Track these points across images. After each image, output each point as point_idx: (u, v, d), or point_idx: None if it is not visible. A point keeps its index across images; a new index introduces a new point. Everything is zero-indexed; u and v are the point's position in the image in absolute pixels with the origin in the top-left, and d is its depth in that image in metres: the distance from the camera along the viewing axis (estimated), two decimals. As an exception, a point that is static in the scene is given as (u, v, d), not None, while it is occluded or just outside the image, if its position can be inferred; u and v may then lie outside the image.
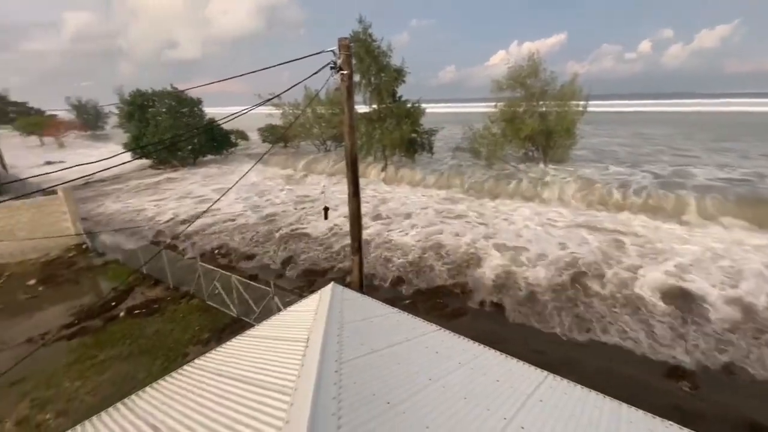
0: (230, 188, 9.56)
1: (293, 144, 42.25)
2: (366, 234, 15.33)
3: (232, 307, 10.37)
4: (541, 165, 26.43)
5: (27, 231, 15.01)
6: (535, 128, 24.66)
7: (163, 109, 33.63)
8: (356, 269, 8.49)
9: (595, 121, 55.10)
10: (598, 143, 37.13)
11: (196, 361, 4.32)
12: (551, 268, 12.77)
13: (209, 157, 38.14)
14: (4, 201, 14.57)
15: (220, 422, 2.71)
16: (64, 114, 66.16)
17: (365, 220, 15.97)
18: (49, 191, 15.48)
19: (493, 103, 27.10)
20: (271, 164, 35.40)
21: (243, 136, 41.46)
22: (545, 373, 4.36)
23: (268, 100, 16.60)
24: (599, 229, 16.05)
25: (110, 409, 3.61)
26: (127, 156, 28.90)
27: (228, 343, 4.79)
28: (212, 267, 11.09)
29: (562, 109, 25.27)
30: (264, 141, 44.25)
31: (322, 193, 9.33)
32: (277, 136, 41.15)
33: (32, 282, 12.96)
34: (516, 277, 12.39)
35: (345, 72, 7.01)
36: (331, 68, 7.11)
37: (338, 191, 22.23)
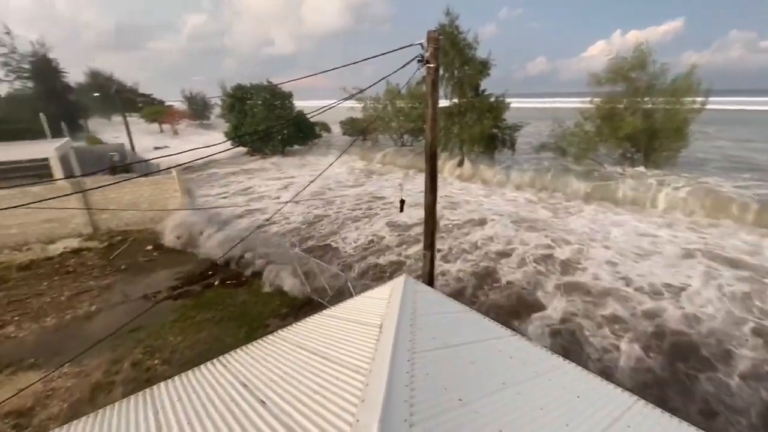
0: (321, 173, 10.20)
1: (371, 137, 43.36)
2: (412, 251, 14.48)
3: (308, 287, 11.06)
4: (642, 168, 23.58)
5: (147, 203, 17.64)
6: (637, 127, 22.01)
7: (259, 102, 36.79)
8: (427, 264, 8.48)
9: (717, 120, 47.44)
10: (723, 147, 32.06)
11: (278, 332, 4.70)
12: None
13: (295, 147, 40.86)
14: (133, 178, 17.22)
15: (300, 390, 2.92)
16: (179, 105, 75.77)
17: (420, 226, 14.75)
18: (165, 171, 17.98)
19: (588, 99, 24.79)
20: (351, 155, 36.70)
21: (326, 128, 43.66)
22: (635, 397, 3.94)
23: (355, 95, 17.25)
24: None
25: (208, 364, 4.11)
26: (228, 144, 32.31)
27: (305, 319, 5.14)
28: (298, 249, 11.91)
29: (672, 106, 22.16)
30: (344, 133, 46.12)
31: (400, 185, 9.45)
32: (357, 129, 42.56)
33: (149, 248, 15.22)
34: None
35: (432, 65, 6.97)
36: (418, 61, 7.12)
37: (411, 188, 22.31)
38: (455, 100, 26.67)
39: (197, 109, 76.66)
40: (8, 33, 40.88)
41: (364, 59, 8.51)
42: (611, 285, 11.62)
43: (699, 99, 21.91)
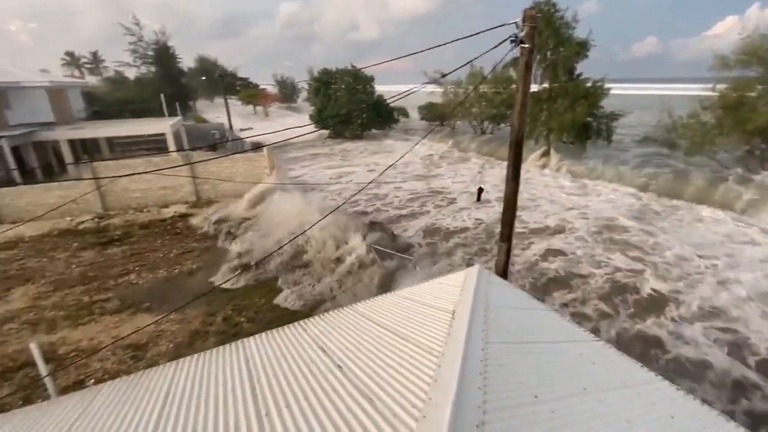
0: (402, 156, 10.35)
1: (449, 123, 42.31)
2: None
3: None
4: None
5: (242, 177, 19.53)
6: (774, 119, 18.33)
7: (342, 86, 38.02)
8: (502, 256, 8.16)
9: None
10: None
11: (353, 305, 4.94)
12: None
13: (372, 131, 41.66)
14: (231, 154, 19.13)
15: (374, 361, 3.05)
16: (270, 88, 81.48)
17: (486, 228, 12.75)
18: (257, 149, 19.67)
19: (709, 85, 21.20)
20: (428, 141, 36.36)
21: (404, 113, 43.69)
22: (742, 429, 3.42)
23: (437, 79, 16.85)
24: None
25: (289, 326, 4.48)
26: (312, 126, 34.13)
27: (378, 297, 5.31)
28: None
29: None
30: (422, 119, 45.70)
31: (479, 173, 9.16)
32: (435, 115, 41.87)
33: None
34: None
35: (526, 46, 6.53)
36: (512, 42, 6.70)
37: (487, 179, 21.44)
38: (545, 85, 24.76)
39: (286, 93, 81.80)
40: (137, 24, 47.33)
41: (452, 41, 8.22)
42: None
43: None
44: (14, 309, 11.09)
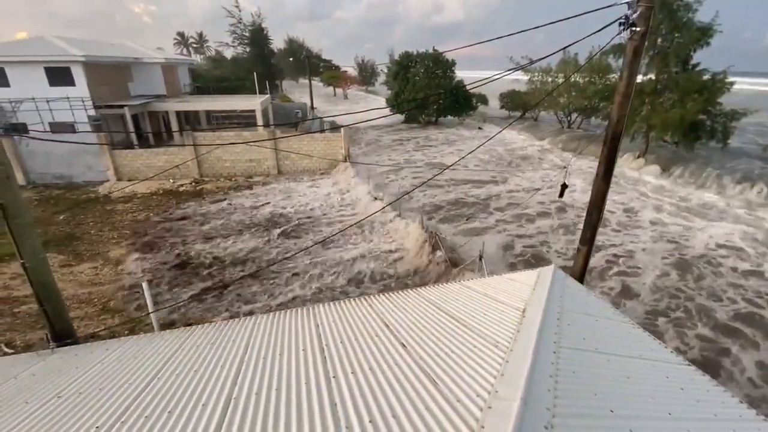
0: (491, 138, 10.04)
1: (533, 114, 39.65)
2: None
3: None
4: None
5: (319, 153, 20.54)
6: None
7: (421, 70, 37.45)
8: (581, 260, 7.59)
9: None
10: None
11: (417, 288, 4.98)
12: None
13: (448, 117, 40.61)
14: (311, 133, 20.10)
15: (438, 345, 3.06)
16: (351, 71, 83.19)
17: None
18: (335, 129, 20.41)
19: None
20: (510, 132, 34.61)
21: (484, 100, 41.81)
22: None
23: (526, 65, 15.80)
24: None
25: (356, 299, 4.67)
26: (387, 110, 34.33)
27: (443, 284, 5.28)
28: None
29: None
30: (502, 107, 43.45)
31: (565, 168, 8.50)
32: (517, 104, 39.55)
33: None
34: None
35: (638, 29, 5.81)
36: (620, 24, 6.01)
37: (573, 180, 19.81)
38: (650, 76, 21.92)
39: (366, 76, 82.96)
40: (237, 6, 51.10)
41: (552, 22, 7.58)
42: None
43: None
44: (127, 252, 13.07)
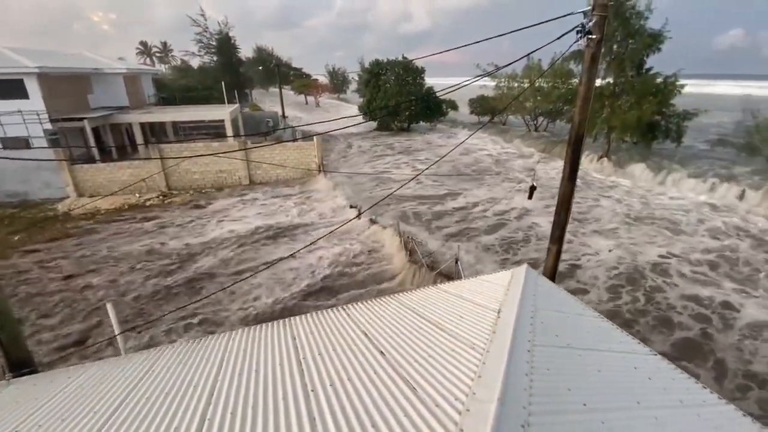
0: (456, 147, 10.24)
1: (501, 118, 40.88)
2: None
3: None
4: None
5: (292, 163, 20.30)
6: None
7: (392, 77, 37.89)
8: (552, 259, 7.82)
9: None
10: None
11: (394, 295, 4.98)
12: None
13: (420, 123, 41.19)
14: (283, 142, 19.86)
15: (416, 350, 3.07)
16: (322, 78, 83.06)
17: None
18: (307, 138, 20.26)
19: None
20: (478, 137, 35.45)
21: (453, 106, 42.72)
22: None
23: (491, 72, 16.30)
24: None
25: (333, 309, 4.62)
26: (359, 117, 34.46)
27: (420, 289, 5.31)
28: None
29: None
30: (472, 113, 44.51)
31: (532, 170, 8.81)
32: (486, 109, 40.62)
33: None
34: None
35: (594, 36, 6.12)
36: (578, 32, 6.32)
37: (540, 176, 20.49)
38: (609, 80, 23.10)
39: (337, 84, 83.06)
40: (203, 15, 50.12)
41: (510, 32, 7.89)
42: None
43: None
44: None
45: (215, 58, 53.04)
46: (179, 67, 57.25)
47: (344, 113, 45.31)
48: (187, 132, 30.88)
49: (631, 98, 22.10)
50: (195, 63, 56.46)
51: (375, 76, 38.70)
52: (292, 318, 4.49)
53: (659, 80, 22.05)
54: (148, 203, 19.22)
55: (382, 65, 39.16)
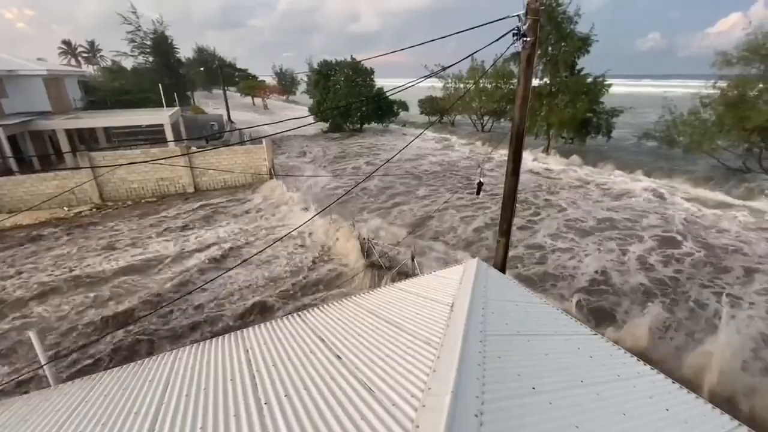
0: (411, 141, 10.33)
1: (450, 118, 42.17)
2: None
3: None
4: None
5: (240, 168, 19.48)
6: (775, 117, 18.31)
7: (342, 78, 37.72)
8: (501, 251, 8.19)
9: None
10: None
11: (351, 297, 4.95)
12: None
13: (372, 124, 41.37)
14: (230, 145, 19.03)
15: (373, 352, 3.06)
16: (269, 80, 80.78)
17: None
18: (256, 141, 19.59)
19: (710, 82, 21.18)
20: (429, 137, 36.23)
21: (404, 106, 43.41)
22: (736, 422, 3.47)
23: (437, 72, 16.76)
24: None
25: (288, 317, 4.49)
26: (310, 119, 33.92)
27: (377, 289, 5.32)
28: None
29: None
30: (422, 113, 45.48)
31: (479, 167, 9.14)
32: (435, 109, 41.67)
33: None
34: None
35: (529, 39, 6.48)
36: (514, 35, 6.65)
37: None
38: (546, 80, 24.66)
39: (285, 85, 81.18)
40: (134, 12, 46.71)
41: (451, 34, 8.16)
42: None
43: None
44: (10, 299, 11.09)
45: (151, 59, 49.64)
46: (110, 68, 52.83)
47: (294, 115, 44.40)
48: (121, 138, 28.62)
49: (566, 97, 23.74)
50: (128, 64, 52.54)
51: (324, 77, 38.32)
52: (245, 329, 4.31)
53: (590, 80, 23.92)
54: (80, 216, 17.57)
55: (331, 66, 38.88)
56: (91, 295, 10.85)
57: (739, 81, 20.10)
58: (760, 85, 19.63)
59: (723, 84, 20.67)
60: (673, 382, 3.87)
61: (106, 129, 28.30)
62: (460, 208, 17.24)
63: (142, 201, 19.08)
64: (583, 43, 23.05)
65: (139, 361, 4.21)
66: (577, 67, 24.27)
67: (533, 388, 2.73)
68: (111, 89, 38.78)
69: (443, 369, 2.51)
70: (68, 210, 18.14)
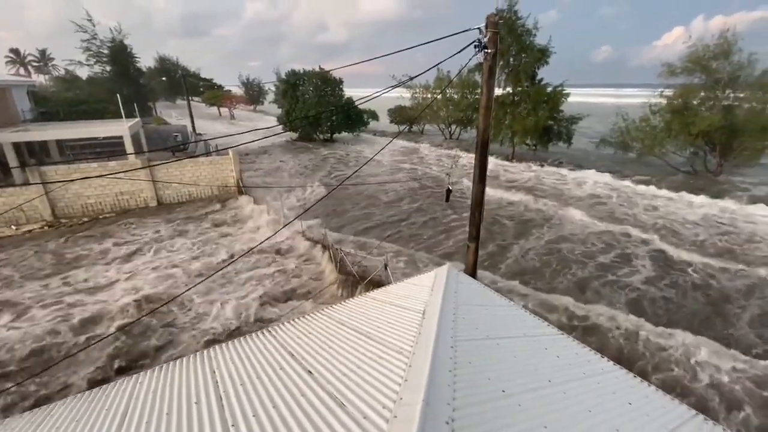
0: (380, 150, 10.35)
1: (419, 127, 42.88)
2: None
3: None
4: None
5: (206, 180, 18.87)
6: (714, 123, 19.87)
7: (310, 88, 37.55)
8: (471, 256, 8.34)
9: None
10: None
11: (323, 309, 4.88)
12: None
13: (343, 134, 41.29)
14: (195, 157, 18.42)
15: (345, 365, 3.02)
16: (236, 90, 79.18)
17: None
18: (221, 152, 19.09)
19: (658, 91, 22.77)
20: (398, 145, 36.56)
21: (374, 116, 43.71)
22: (693, 411, 3.67)
23: (404, 82, 17.07)
24: None
25: (258, 333, 4.36)
26: (279, 128, 33.49)
27: (349, 300, 5.28)
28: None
29: (761, 100, 19.71)
30: (392, 122, 45.97)
31: (447, 175, 9.31)
32: (405, 118, 42.24)
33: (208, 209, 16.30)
34: None
35: (489, 51, 6.72)
36: (475, 47, 6.88)
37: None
38: (509, 90, 25.62)
39: (253, 95, 79.85)
40: (90, 20, 44.69)
41: (417, 45, 8.38)
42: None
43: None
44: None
45: (108, 68, 47.55)
46: (64, 77, 50.09)
47: (261, 125, 43.65)
48: (76, 151, 27.05)
49: (528, 106, 24.75)
50: (83, 73, 50.08)
51: (292, 86, 37.98)
52: (212, 348, 4.14)
53: (550, 89, 25.07)
54: (27, 235, 16.37)
55: (300, 76, 38.64)
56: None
57: (684, 90, 21.74)
58: (702, 94, 21.30)
59: (669, 93, 22.28)
60: (635, 377, 4.05)
61: (59, 142, 26.66)
62: (431, 213, 17.45)
63: (100, 217, 18.06)
64: (542, 55, 24.19)
65: (95, 389, 3.95)
66: (538, 77, 25.40)
67: (503, 391, 2.78)
68: (64, 100, 36.73)
69: (414, 377, 2.51)
70: (16, 228, 16.89)
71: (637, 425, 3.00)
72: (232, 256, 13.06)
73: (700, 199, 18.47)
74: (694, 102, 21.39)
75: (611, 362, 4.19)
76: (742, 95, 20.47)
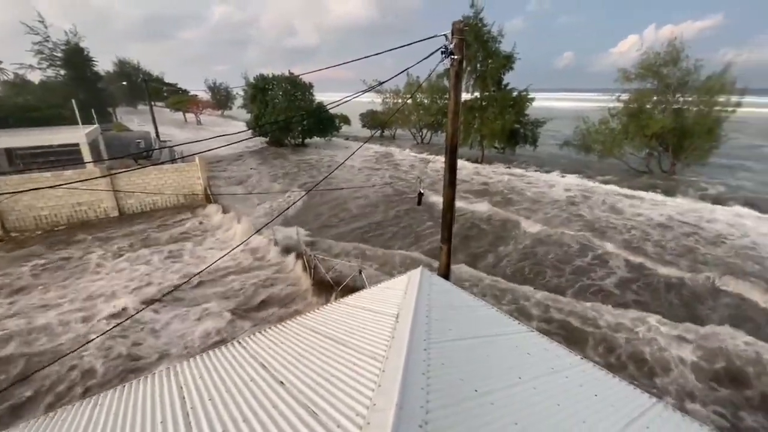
0: (351, 154, 10.28)
1: (390, 131, 43.18)
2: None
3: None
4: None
5: (171, 188, 18.16)
6: (666, 125, 21.19)
7: (280, 93, 37.04)
8: (444, 258, 8.44)
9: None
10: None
11: (296, 317, 4.79)
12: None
13: (315, 139, 40.94)
14: (158, 164, 17.71)
15: (318, 373, 2.97)
16: (203, 94, 77.02)
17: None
18: (188, 159, 18.46)
19: (615, 95, 24.02)
20: (371, 150, 36.58)
21: (346, 120, 43.64)
22: (654, 399, 3.86)
23: (374, 87, 17.14)
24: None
25: (228, 345, 4.22)
26: (248, 133, 32.76)
27: (323, 307, 5.21)
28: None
29: (706, 103, 21.21)
30: (363, 126, 46.07)
31: (419, 178, 9.41)
32: (376, 123, 42.43)
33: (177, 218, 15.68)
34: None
35: (456, 57, 6.87)
36: (442, 53, 7.01)
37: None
38: (476, 94, 26.29)
39: (220, 100, 77.91)
40: (42, 21, 42.31)
41: (387, 50, 8.43)
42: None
43: (734, 98, 20.91)
44: None
45: (63, 72, 45.10)
46: (13, 82, 47.07)
47: (230, 130, 42.54)
48: (27, 160, 25.40)
49: (495, 110, 25.48)
50: (36, 77, 47.25)
51: (261, 91, 37.29)
52: (178, 363, 3.97)
53: (515, 94, 25.93)
54: (-26, 252, 15.12)
55: (269, 80, 38.02)
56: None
57: (638, 94, 23.05)
58: (655, 98, 22.66)
59: (625, 97, 23.56)
60: (600, 369, 4.22)
61: (8, 150, 24.95)
62: (404, 216, 17.58)
63: (55, 229, 17.00)
64: (508, 60, 25.02)
65: (50, 414, 3.69)
66: (504, 82, 26.22)
67: (476, 391, 2.82)
68: (13, 105, 34.49)
69: (388, 382, 2.51)
70: (-41, 245, 15.61)
71: (603, 416, 3.12)
72: (196, 270, 12.58)
73: (652, 195, 19.70)
74: (648, 105, 22.71)
75: (579, 356, 4.35)
76: (690, 99, 21.95)
